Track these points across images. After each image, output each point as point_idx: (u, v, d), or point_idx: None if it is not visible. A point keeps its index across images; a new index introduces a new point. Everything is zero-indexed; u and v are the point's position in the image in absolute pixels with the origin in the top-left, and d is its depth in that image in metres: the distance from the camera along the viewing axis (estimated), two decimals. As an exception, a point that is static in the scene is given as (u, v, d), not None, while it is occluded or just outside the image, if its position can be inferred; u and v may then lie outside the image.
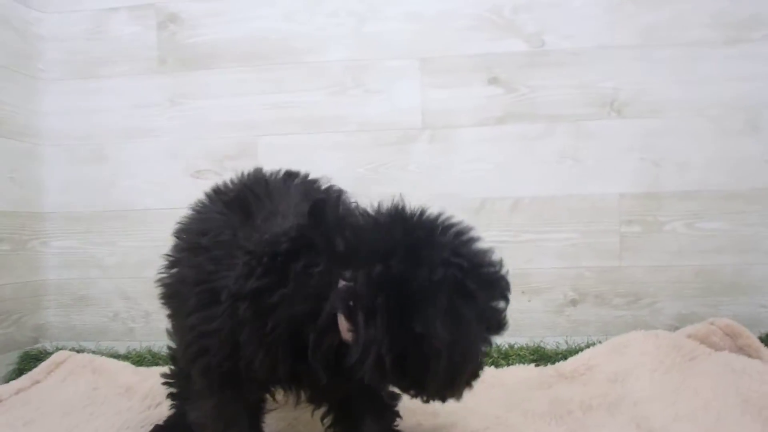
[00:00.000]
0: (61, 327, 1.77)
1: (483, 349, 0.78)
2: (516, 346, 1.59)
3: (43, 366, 1.49)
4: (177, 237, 0.95)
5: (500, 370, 1.42)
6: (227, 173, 1.73)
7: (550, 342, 1.60)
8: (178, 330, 0.94)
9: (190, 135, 1.73)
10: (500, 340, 1.62)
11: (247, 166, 1.11)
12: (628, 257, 1.60)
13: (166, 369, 1.09)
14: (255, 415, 0.91)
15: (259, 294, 0.73)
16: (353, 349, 0.69)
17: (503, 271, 0.79)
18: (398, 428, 0.94)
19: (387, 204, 0.80)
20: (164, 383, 1.07)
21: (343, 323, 0.71)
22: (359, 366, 0.69)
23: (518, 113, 1.63)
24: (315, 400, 0.91)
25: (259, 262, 0.74)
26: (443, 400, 0.79)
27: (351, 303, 0.69)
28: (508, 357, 1.53)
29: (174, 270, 0.91)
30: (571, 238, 1.62)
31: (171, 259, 0.93)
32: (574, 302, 1.62)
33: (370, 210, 0.80)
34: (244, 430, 0.87)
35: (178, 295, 0.87)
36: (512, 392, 1.24)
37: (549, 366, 1.38)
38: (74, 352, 1.58)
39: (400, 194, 0.83)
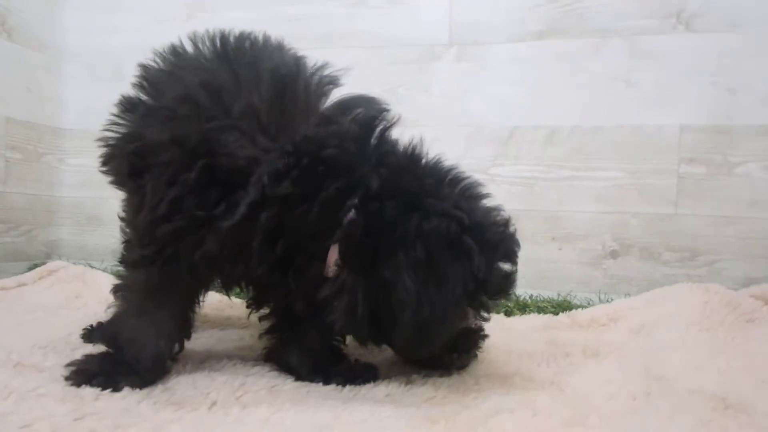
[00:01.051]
0: (73, 245, 1.75)
1: (470, 311, 0.75)
2: (537, 298, 1.36)
3: (35, 272, 1.46)
4: (148, 83, 0.75)
5: (509, 318, 1.21)
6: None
7: (581, 297, 1.36)
8: (144, 198, 0.73)
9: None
10: (520, 291, 1.39)
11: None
12: (686, 204, 1.32)
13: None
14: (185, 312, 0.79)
15: (287, 202, 0.67)
16: (327, 286, 0.69)
17: (511, 231, 0.74)
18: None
19: (405, 143, 0.76)
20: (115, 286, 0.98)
21: (332, 257, 0.69)
22: (331, 308, 0.69)
23: (561, 27, 1.39)
24: (259, 303, 0.83)
25: (298, 163, 0.67)
26: (412, 356, 0.80)
27: (347, 240, 0.68)
28: (525, 308, 1.30)
29: (147, 128, 0.72)
30: (616, 177, 1.36)
31: (141, 113, 0.74)
32: (614, 254, 1.36)
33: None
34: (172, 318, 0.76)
35: (158, 157, 0.70)
36: (507, 335, 1.03)
37: (564, 314, 1.14)
38: (70, 264, 1.54)
39: (420, 138, 0.78)
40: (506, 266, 0.73)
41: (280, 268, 0.71)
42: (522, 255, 1.56)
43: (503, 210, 0.77)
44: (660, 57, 1.33)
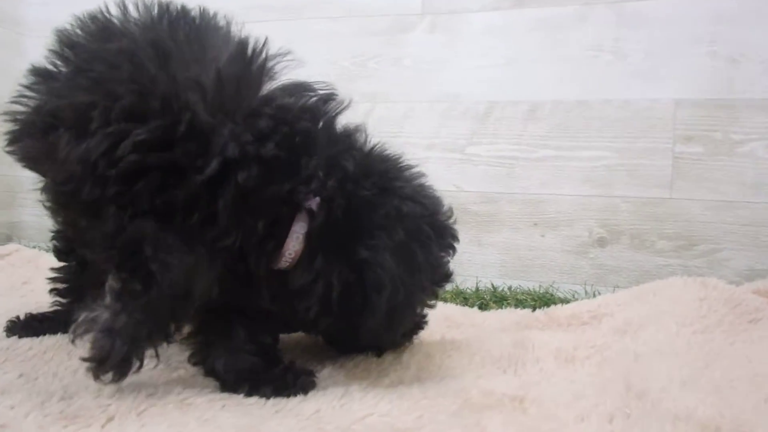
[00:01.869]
0: (35, 227, 1.63)
1: (428, 300, 0.76)
2: (517, 290, 1.24)
3: (-13, 255, 1.36)
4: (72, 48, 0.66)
5: (482, 312, 1.09)
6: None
7: (565, 290, 1.24)
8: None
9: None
10: (499, 282, 1.27)
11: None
12: (682, 187, 1.19)
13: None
14: None
15: (268, 166, 0.61)
16: (300, 274, 0.65)
17: (453, 221, 0.75)
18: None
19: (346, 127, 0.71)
20: (51, 279, 0.91)
21: (290, 243, 0.64)
22: (304, 296, 0.65)
23: (543, -8, 1.26)
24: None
25: (278, 128, 0.62)
26: (377, 346, 0.78)
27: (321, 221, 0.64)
28: (502, 301, 1.18)
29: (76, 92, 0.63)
30: (603, 157, 1.23)
31: (69, 74, 0.65)
32: (602, 242, 1.24)
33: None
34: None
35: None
36: (475, 333, 0.91)
37: (542, 310, 1.02)
38: (24, 247, 1.45)
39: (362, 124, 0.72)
40: (449, 254, 0.74)
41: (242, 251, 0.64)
42: (501, 242, 1.43)
43: (444, 200, 0.77)
44: (651, 24, 1.20)
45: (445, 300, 1.19)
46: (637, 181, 1.21)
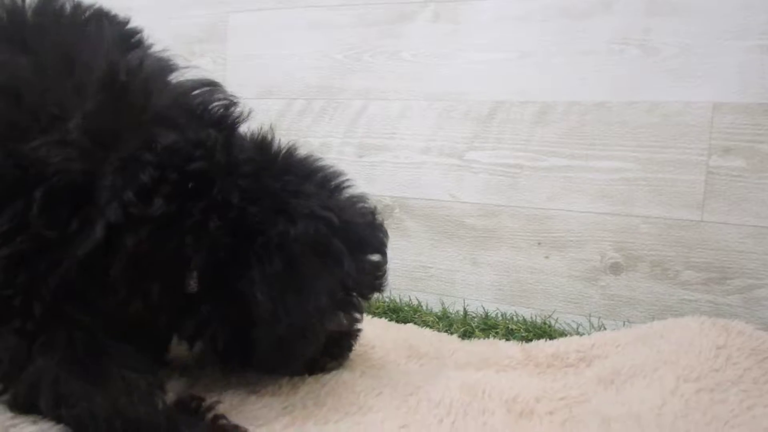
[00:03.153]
0: None
1: (341, 315, 0.68)
2: (512, 317, 1.07)
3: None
4: None
5: (461, 341, 0.93)
6: (196, 59, 1.42)
7: (568, 321, 1.06)
8: None
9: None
10: (492, 307, 1.11)
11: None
12: (716, 208, 0.99)
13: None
14: None
15: (158, 223, 0.55)
16: (190, 324, 0.61)
17: (378, 222, 0.69)
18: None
19: (254, 133, 0.67)
20: None
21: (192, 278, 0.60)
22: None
23: (561, -24, 1.09)
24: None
25: (165, 177, 0.55)
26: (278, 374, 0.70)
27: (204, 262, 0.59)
28: (491, 329, 1.02)
29: None
30: (623, 169, 1.05)
31: None
32: (616, 268, 1.06)
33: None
34: None
35: None
36: (430, 367, 0.76)
37: (520, 344, 0.85)
38: None
39: (270, 126, 0.68)
40: (375, 257, 0.68)
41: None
42: (499, 262, 1.29)
43: (367, 198, 0.71)
44: (687, 13, 1.01)
45: (427, 324, 1.05)
46: (663, 198, 1.02)
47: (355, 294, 0.67)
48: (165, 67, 0.64)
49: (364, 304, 0.70)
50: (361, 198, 0.69)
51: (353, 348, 0.75)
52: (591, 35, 1.07)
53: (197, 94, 0.62)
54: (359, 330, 0.76)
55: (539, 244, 1.10)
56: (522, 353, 0.81)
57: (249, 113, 0.65)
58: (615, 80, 1.06)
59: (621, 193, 1.05)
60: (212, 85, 0.64)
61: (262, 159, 0.64)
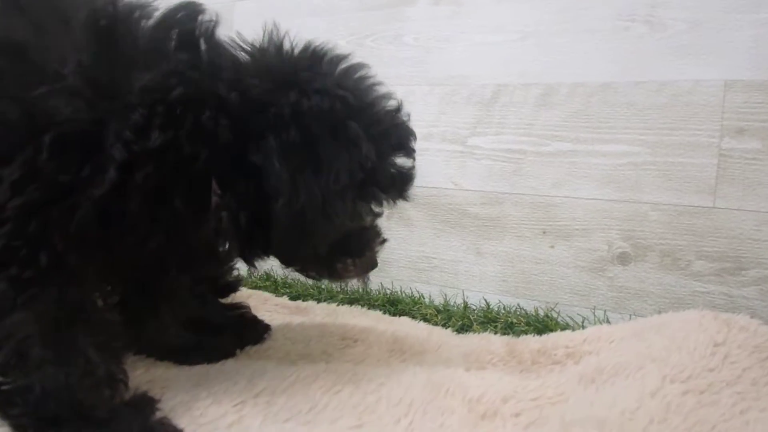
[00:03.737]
0: None
1: (363, 208, 0.66)
2: (512, 310, 1.04)
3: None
4: None
5: (456, 336, 0.91)
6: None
7: (571, 314, 1.02)
8: None
9: None
10: (495, 299, 1.08)
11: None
12: (729, 193, 0.93)
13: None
14: None
15: (162, 153, 0.57)
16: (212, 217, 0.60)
17: (403, 119, 0.67)
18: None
19: (266, 37, 0.66)
20: None
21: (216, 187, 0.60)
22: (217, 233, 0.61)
23: (564, -50, 1.03)
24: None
25: (154, 112, 0.57)
26: (301, 269, 0.71)
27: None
28: (490, 323, 0.99)
29: None
30: (631, 152, 0.99)
31: None
32: (624, 258, 1.00)
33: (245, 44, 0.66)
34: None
35: None
36: (405, 365, 0.74)
37: (505, 338, 0.82)
38: None
39: (274, 23, 0.67)
40: (400, 159, 0.66)
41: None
42: (503, 252, 1.26)
43: (392, 96, 0.67)
44: (700, -17, 0.94)
45: (425, 317, 1.03)
46: (673, 184, 0.96)
47: (374, 185, 0.64)
48: (135, 6, 0.63)
49: (388, 205, 0.67)
50: (388, 94, 0.66)
51: (374, 248, 0.71)
52: (595, 13, 1.01)
53: (165, 22, 0.62)
54: (383, 239, 0.72)
55: (544, 233, 1.06)
56: (505, 349, 0.78)
57: (217, 17, 0.64)
58: (621, 59, 1.00)
59: (628, 179, 1.00)
60: (182, 9, 0.63)
61: (268, 45, 0.63)
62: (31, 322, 0.55)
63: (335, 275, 0.71)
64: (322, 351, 0.79)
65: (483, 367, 0.74)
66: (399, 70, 1.19)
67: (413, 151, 0.67)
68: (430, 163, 1.16)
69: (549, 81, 1.05)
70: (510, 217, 1.09)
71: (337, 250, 0.68)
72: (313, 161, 0.59)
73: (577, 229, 1.04)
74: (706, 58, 0.93)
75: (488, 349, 0.78)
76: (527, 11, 1.07)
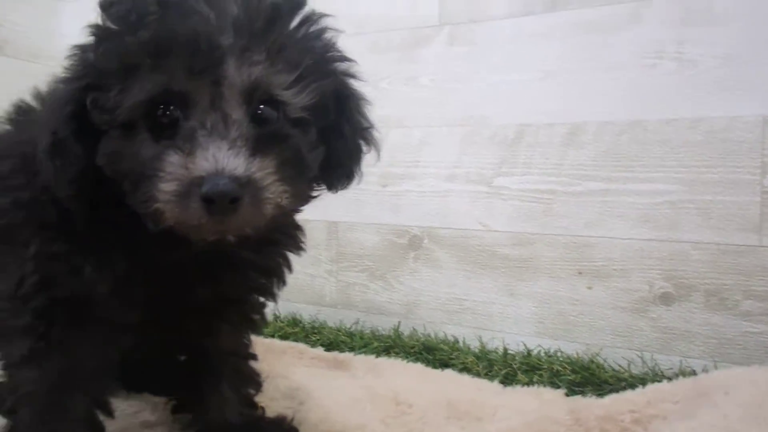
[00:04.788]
0: None
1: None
2: (556, 354, 1.01)
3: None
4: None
5: (503, 389, 0.88)
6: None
7: (617, 357, 0.99)
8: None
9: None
10: (534, 342, 1.05)
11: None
12: (775, 229, 0.91)
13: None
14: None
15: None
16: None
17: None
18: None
19: None
20: None
21: None
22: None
23: (584, -13, 1.01)
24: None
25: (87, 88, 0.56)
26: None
27: None
28: (535, 370, 0.96)
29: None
30: (667, 191, 0.97)
31: None
32: (666, 298, 0.98)
33: None
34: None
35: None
36: (462, 428, 0.71)
37: (567, 400, 0.79)
38: None
39: None
40: None
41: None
42: (538, 293, 1.23)
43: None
44: (729, 19, 0.92)
45: (465, 366, 1.00)
46: (713, 222, 0.94)
47: None
48: None
49: None
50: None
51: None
52: (617, 50, 0.99)
53: None
54: None
55: (580, 273, 1.04)
56: (570, 417, 0.75)
57: None
58: (649, 97, 0.97)
59: (666, 218, 0.97)
60: None
61: None
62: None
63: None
64: (380, 421, 0.76)
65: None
66: (417, 112, 1.16)
67: None
68: (456, 205, 1.13)
69: (575, 120, 1.03)
70: (543, 257, 1.06)
71: None
72: None
73: (615, 270, 1.01)
74: (742, 93, 0.91)
75: (552, 418, 0.74)
76: (545, 50, 1.05)
